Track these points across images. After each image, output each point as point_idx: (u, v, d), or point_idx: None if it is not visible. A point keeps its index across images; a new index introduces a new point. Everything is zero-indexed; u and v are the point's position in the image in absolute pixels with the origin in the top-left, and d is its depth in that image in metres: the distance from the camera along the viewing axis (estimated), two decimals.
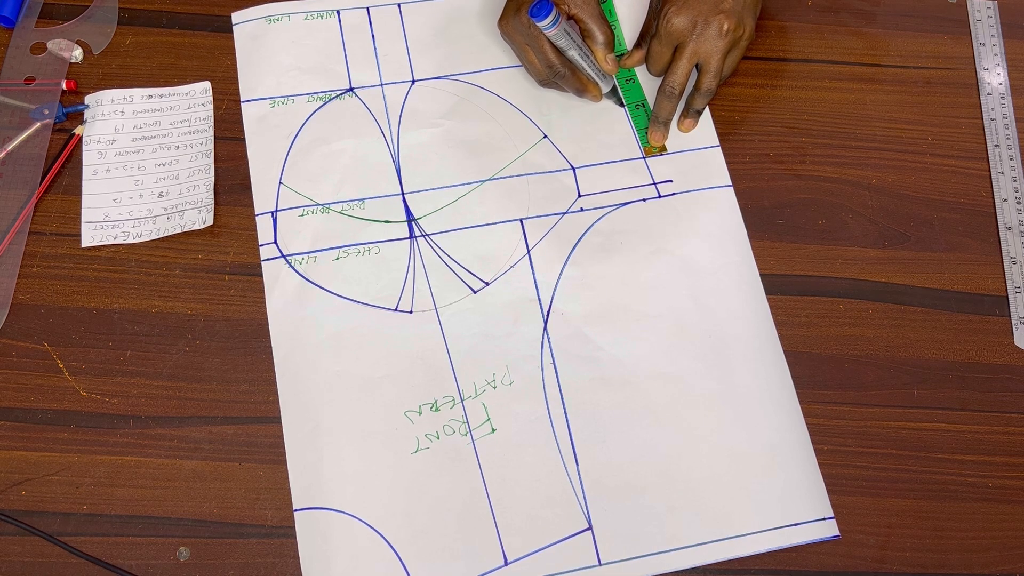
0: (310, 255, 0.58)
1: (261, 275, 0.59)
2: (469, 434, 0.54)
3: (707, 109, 0.65)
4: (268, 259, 0.58)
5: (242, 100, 0.63)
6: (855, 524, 0.54)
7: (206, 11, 0.67)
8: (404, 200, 0.61)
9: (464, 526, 0.52)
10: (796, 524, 0.53)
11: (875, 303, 0.60)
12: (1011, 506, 0.56)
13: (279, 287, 0.58)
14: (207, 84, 0.64)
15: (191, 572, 0.51)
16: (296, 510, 0.52)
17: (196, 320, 0.57)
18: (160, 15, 0.67)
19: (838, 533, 0.53)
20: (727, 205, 0.62)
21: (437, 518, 0.52)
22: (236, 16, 0.66)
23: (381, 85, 0.64)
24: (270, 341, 0.57)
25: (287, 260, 0.58)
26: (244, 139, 0.62)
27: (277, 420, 0.55)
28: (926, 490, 0.55)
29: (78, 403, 0.55)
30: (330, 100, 0.63)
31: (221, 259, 0.59)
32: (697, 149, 0.64)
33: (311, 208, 0.60)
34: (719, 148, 0.64)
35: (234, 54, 0.65)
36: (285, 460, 0.54)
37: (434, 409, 0.55)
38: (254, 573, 0.52)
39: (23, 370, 0.55)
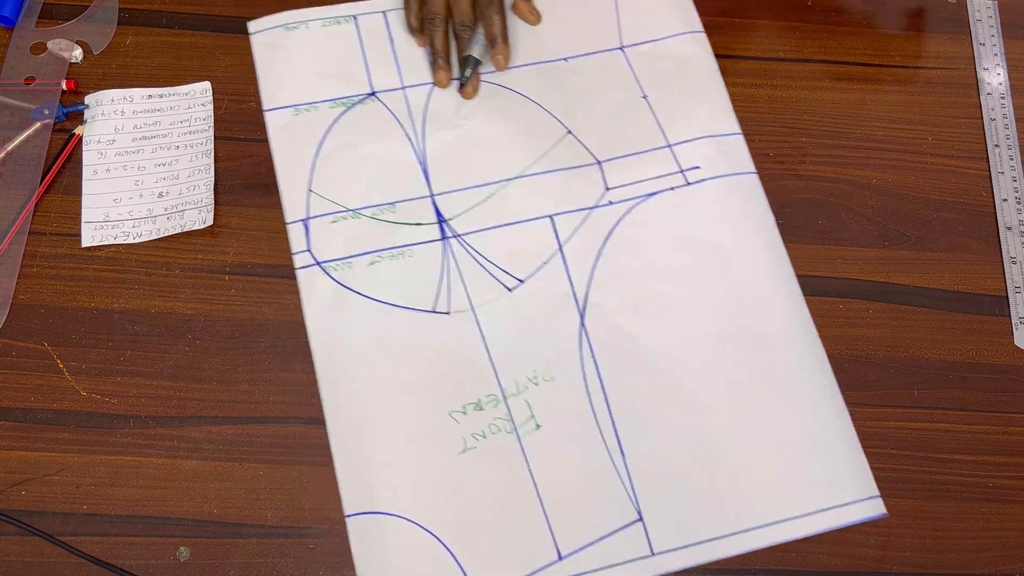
0: (345, 261, 0.58)
1: (261, 275, 0.59)
2: (515, 431, 0.54)
3: (727, 96, 0.65)
4: (303, 267, 0.58)
5: (264, 109, 0.63)
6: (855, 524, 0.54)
7: (206, 11, 0.67)
8: (434, 202, 0.61)
9: (516, 523, 0.52)
10: (844, 504, 0.53)
11: (875, 303, 0.60)
12: (1011, 506, 0.56)
13: (316, 294, 0.57)
14: (207, 84, 0.64)
15: (191, 572, 0.51)
16: (348, 516, 0.52)
17: (196, 320, 0.57)
18: (160, 15, 0.67)
19: (885, 511, 0.53)
20: (754, 191, 0.62)
21: (489, 517, 0.52)
22: (252, 25, 0.66)
23: (403, 88, 0.64)
24: (270, 341, 0.57)
25: (322, 267, 0.58)
26: (244, 139, 0.62)
27: (277, 420, 0.55)
28: (926, 490, 0.55)
29: (78, 403, 0.55)
30: (353, 106, 0.63)
31: (221, 259, 0.59)
32: (720, 136, 0.63)
33: (342, 214, 0.60)
34: (741, 136, 0.64)
35: (234, 54, 0.65)
36: (285, 460, 0.54)
37: (478, 408, 0.55)
38: (254, 573, 0.52)
39: (23, 370, 0.55)
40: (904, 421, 0.57)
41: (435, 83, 0.64)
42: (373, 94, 0.64)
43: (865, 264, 0.62)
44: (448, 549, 0.51)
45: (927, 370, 0.59)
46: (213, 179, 0.61)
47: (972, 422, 0.58)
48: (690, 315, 0.58)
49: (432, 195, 0.61)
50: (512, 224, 0.60)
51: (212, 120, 0.63)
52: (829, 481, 0.54)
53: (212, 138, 0.62)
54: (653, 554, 0.52)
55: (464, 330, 0.57)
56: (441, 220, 0.60)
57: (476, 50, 0.63)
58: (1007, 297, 0.61)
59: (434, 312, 0.57)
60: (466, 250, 0.59)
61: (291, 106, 0.63)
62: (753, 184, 0.62)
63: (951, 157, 0.66)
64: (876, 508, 0.54)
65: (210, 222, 0.59)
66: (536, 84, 0.65)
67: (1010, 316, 0.61)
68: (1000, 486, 0.56)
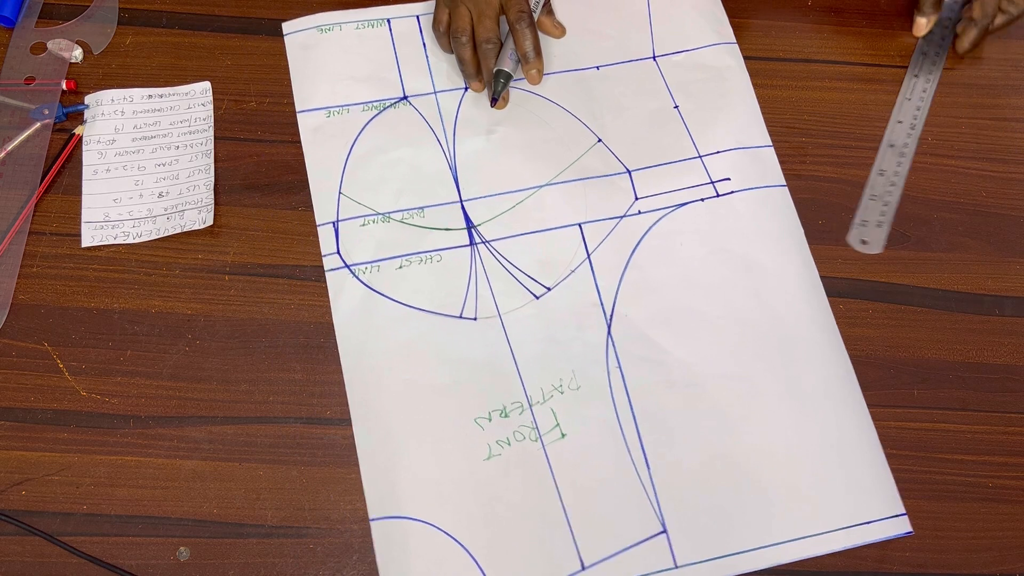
0: (373, 264, 0.59)
1: (261, 275, 0.59)
2: (539, 440, 0.54)
3: (758, 107, 0.65)
4: (332, 269, 0.58)
5: (297, 111, 0.63)
6: None
7: (206, 11, 0.67)
8: (463, 207, 0.61)
9: (540, 532, 0.52)
10: (868, 522, 0.53)
11: (875, 303, 0.60)
12: (1011, 506, 0.56)
13: (344, 297, 0.58)
14: (207, 84, 0.64)
15: (191, 572, 0.51)
16: (372, 519, 0.52)
17: (196, 320, 0.57)
18: (160, 15, 0.67)
19: (911, 530, 0.53)
20: (783, 204, 0.62)
21: (513, 524, 0.52)
22: (287, 26, 0.66)
23: (434, 93, 0.64)
24: (270, 341, 0.57)
25: (351, 270, 0.58)
26: (244, 139, 0.63)
27: (277, 420, 0.55)
28: (926, 490, 0.55)
29: (78, 403, 0.55)
30: (385, 109, 0.63)
31: (221, 259, 0.59)
32: (751, 148, 0.63)
33: (372, 217, 0.60)
34: (772, 148, 0.64)
35: (234, 54, 0.65)
36: (285, 460, 0.54)
37: (503, 415, 0.55)
38: (254, 573, 0.52)
39: (23, 370, 0.55)
40: (904, 421, 0.57)
41: (470, 88, 0.64)
42: (405, 98, 0.64)
43: (865, 264, 0.62)
44: (471, 555, 0.51)
45: (927, 370, 0.59)
46: (213, 179, 0.61)
47: (972, 422, 0.58)
48: (717, 327, 0.57)
49: (461, 200, 0.61)
50: (541, 231, 0.60)
51: (212, 120, 0.63)
52: (855, 498, 0.53)
53: (212, 138, 0.62)
54: (676, 566, 0.51)
55: (491, 336, 0.57)
56: (470, 225, 0.60)
57: (508, 64, 0.63)
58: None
59: (461, 318, 0.57)
60: (494, 256, 0.59)
61: (323, 108, 0.63)
62: (783, 197, 0.62)
63: (951, 157, 0.66)
64: (902, 526, 0.53)
65: (210, 222, 0.59)
66: (567, 92, 0.65)
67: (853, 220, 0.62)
68: (1000, 486, 0.56)
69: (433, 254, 0.59)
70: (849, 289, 0.61)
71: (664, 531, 0.52)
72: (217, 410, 0.55)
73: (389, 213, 0.60)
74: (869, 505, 0.53)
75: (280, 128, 0.63)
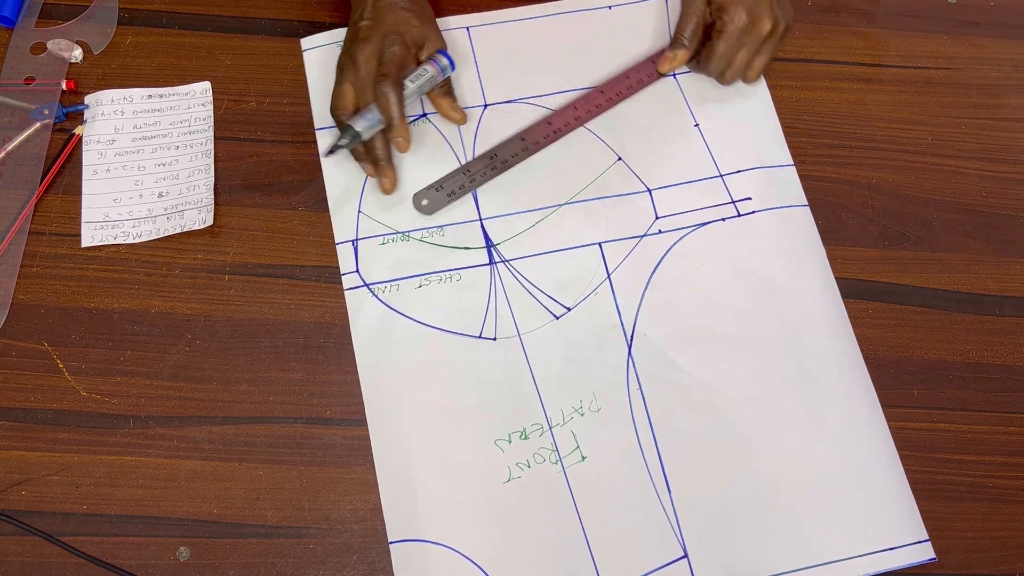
0: (392, 283, 0.58)
1: (261, 275, 0.59)
2: (560, 462, 0.54)
3: (779, 126, 0.65)
4: (351, 288, 0.58)
5: (316, 128, 0.63)
6: None
7: (206, 11, 0.67)
8: (482, 226, 0.60)
9: (560, 556, 0.52)
10: (891, 548, 0.52)
11: (875, 303, 0.60)
12: (1011, 506, 0.56)
13: (363, 316, 0.57)
14: (207, 84, 0.64)
15: (191, 572, 0.51)
16: (392, 543, 0.52)
17: (196, 320, 0.57)
18: (160, 15, 0.67)
19: (934, 556, 0.53)
20: (805, 224, 0.61)
21: (533, 548, 0.52)
22: (305, 42, 0.66)
23: None
24: (270, 341, 0.57)
25: (370, 289, 0.58)
26: (244, 139, 0.63)
27: (277, 420, 0.55)
28: (926, 490, 0.55)
29: (78, 403, 0.55)
30: None
31: (221, 259, 0.59)
32: (772, 167, 0.63)
33: (391, 236, 0.60)
34: (793, 167, 0.63)
35: (234, 54, 0.65)
36: (285, 460, 0.54)
37: (523, 437, 0.54)
38: (254, 573, 0.52)
39: (23, 370, 0.55)
40: (904, 421, 0.57)
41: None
42: (424, 115, 0.64)
43: (865, 264, 0.62)
44: None
45: (927, 370, 0.59)
46: (213, 179, 0.61)
47: (972, 422, 0.58)
48: (739, 349, 0.57)
49: (481, 219, 0.60)
50: (560, 251, 0.60)
51: (212, 120, 0.63)
52: (878, 523, 0.53)
53: (212, 138, 0.62)
54: None
55: (510, 357, 0.56)
56: (489, 245, 0.60)
57: (360, 123, 0.57)
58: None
59: (481, 338, 0.57)
60: (514, 276, 0.59)
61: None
62: (805, 217, 0.62)
63: (951, 157, 0.66)
64: (925, 553, 0.53)
65: (210, 222, 0.59)
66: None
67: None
68: (1000, 486, 0.56)
69: (452, 273, 0.59)
70: (849, 289, 0.61)
71: (685, 556, 0.52)
72: (217, 410, 0.55)
73: (408, 232, 0.60)
74: (892, 531, 0.53)
75: (280, 128, 0.63)
